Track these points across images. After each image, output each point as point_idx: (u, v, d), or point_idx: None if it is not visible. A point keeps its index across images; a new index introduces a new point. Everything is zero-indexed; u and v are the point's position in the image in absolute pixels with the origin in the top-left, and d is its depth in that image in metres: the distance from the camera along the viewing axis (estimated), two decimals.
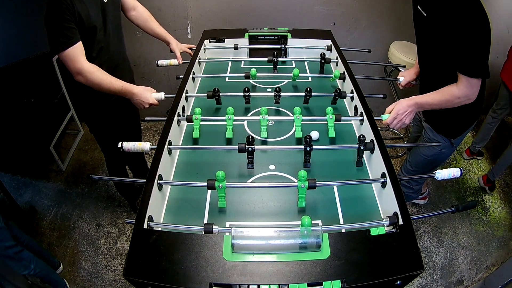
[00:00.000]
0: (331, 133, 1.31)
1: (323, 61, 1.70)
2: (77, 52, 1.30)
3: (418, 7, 1.33)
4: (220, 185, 1.01)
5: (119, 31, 1.56)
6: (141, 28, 1.73)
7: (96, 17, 1.37)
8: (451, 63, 1.25)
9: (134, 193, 2.20)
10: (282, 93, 1.55)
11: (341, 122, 1.32)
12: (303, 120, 1.31)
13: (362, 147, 1.17)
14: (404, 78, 1.68)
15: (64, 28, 1.25)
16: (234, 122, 1.32)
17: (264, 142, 1.32)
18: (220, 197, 1.04)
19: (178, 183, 1.15)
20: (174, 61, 1.76)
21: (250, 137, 1.15)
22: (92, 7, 1.34)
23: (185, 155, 1.29)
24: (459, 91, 1.25)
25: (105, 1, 1.40)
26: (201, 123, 1.33)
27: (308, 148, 1.15)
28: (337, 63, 1.74)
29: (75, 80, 1.35)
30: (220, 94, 1.46)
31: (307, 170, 1.08)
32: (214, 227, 0.90)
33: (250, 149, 1.15)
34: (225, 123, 1.32)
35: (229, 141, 1.31)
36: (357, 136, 1.24)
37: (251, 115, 1.46)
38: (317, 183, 1.01)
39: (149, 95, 1.43)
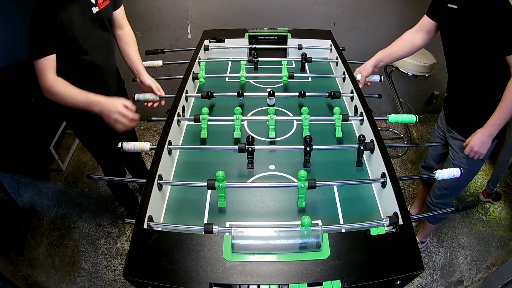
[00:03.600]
0: (339, 133, 1.31)
1: (304, 61, 1.70)
2: (47, 65, 1.22)
3: (448, 5, 1.30)
4: (220, 185, 1.01)
5: (110, 44, 1.48)
6: (118, 48, 1.59)
7: (82, 28, 1.30)
8: (494, 52, 1.21)
9: (133, 202, 2.14)
10: (282, 93, 1.55)
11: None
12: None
13: (362, 147, 1.17)
14: (361, 74, 1.55)
15: (40, 37, 1.20)
16: (233, 122, 1.32)
17: (272, 142, 1.32)
18: (220, 197, 1.04)
19: (178, 183, 1.15)
20: (157, 62, 1.73)
21: (250, 137, 1.15)
22: (78, 18, 1.27)
23: (185, 155, 1.29)
24: None
25: (94, 12, 1.34)
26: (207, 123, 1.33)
27: (308, 148, 1.15)
28: (337, 63, 1.75)
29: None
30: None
31: (307, 170, 1.08)
32: (214, 227, 0.90)
33: (250, 149, 1.15)
34: (228, 123, 1.32)
35: (237, 142, 1.30)
36: (357, 136, 1.24)
37: (251, 115, 1.46)
38: (317, 183, 1.01)
39: (117, 103, 1.25)
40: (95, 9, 1.34)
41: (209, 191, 1.11)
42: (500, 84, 1.25)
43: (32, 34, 1.21)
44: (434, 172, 1.09)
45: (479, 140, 1.34)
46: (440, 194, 1.69)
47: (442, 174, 1.08)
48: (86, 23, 1.32)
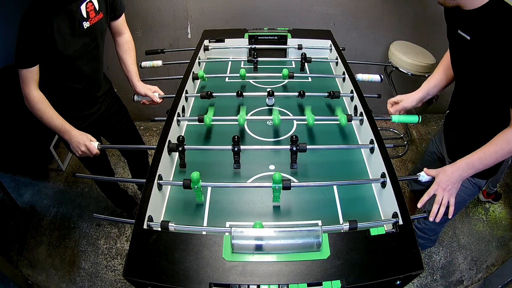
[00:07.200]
0: (343, 122, 1.30)
1: (303, 61, 1.70)
2: (31, 77, 1.25)
3: (459, 31, 1.12)
4: (196, 186, 1.01)
5: (100, 57, 1.46)
6: (117, 53, 1.60)
7: (73, 45, 1.27)
8: (499, 95, 1.06)
9: (130, 203, 2.14)
10: (281, 93, 1.55)
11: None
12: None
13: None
14: (402, 103, 1.38)
15: (27, 47, 1.21)
16: (234, 122, 1.32)
17: (277, 142, 1.32)
18: (198, 194, 1.06)
19: (178, 183, 1.15)
20: (157, 62, 1.74)
21: (236, 136, 1.15)
22: (66, 32, 1.24)
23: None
24: None
25: (85, 27, 1.28)
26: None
27: (294, 148, 1.15)
28: (337, 63, 1.74)
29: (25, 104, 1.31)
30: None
31: (294, 171, 1.09)
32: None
33: (236, 149, 1.15)
34: (228, 123, 1.33)
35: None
36: (357, 136, 1.23)
37: (251, 115, 1.46)
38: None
39: (85, 138, 1.35)
40: (86, 24, 1.28)
41: (209, 191, 1.11)
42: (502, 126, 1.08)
43: (19, 42, 1.21)
44: (418, 174, 1.11)
45: (448, 177, 1.09)
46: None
47: (426, 177, 1.10)
48: (75, 37, 1.27)
